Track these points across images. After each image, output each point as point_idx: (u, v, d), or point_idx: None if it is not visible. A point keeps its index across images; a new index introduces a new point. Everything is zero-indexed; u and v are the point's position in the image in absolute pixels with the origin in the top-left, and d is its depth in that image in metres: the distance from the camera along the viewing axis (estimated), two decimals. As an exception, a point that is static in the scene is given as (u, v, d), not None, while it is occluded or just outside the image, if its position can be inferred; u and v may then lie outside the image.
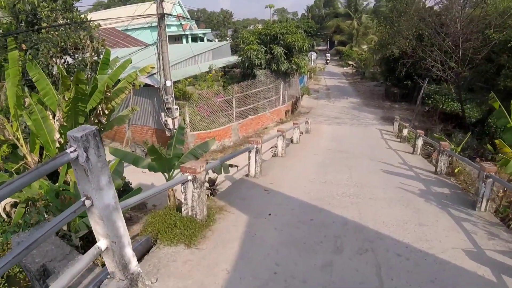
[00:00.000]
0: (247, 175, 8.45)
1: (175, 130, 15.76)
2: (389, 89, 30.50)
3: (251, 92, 18.90)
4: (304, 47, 19.94)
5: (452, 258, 4.95)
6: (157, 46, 15.11)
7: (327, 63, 54.99)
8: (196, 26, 51.44)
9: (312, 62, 42.85)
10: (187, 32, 45.52)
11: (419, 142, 12.96)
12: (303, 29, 22.71)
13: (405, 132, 15.80)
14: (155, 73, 15.71)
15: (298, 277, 4.27)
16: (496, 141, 7.43)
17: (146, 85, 15.85)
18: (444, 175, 9.85)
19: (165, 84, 15.22)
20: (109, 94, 7.20)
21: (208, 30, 50.75)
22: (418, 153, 13.05)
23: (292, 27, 20.10)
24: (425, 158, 13.04)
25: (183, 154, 8.49)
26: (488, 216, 6.72)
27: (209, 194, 9.11)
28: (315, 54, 46.17)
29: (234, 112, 17.88)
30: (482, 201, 6.86)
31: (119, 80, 8.15)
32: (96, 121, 7.45)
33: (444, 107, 21.50)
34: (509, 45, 15.59)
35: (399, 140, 16.44)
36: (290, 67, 19.94)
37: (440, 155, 9.78)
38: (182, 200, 5.23)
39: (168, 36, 43.62)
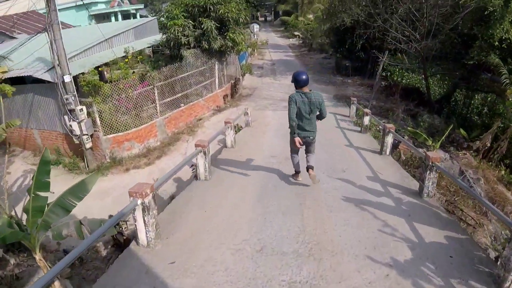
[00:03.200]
0: (135, 240, 5.09)
1: (84, 137, 12.26)
2: (340, 62, 27.61)
3: (178, 78, 15.33)
4: (240, 18, 16.35)
5: None
6: (47, 32, 11.27)
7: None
8: (128, 1, 46.06)
9: (255, 35, 39.22)
10: (116, 9, 40.65)
11: (389, 140, 10.05)
12: (243, -1, 18.96)
13: (366, 120, 12.84)
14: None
15: None
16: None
17: (47, 82, 12.15)
18: (434, 199, 7.05)
19: (63, 80, 11.55)
20: None
21: (141, 5, 45.54)
22: (388, 153, 10.20)
23: (226, -5, 16.22)
24: (395, 159, 10.32)
25: (46, 207, 5.39)
26: None
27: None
28: (258, 26, 42.28)
29: (157, 105, 14.30)
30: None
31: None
32: None
33: (405, 81, 18.91)
34: (486, 13, 12.88)
35: (359, 129, 13.58)
36: (225, 44, 16.30)
37: (428, 172, 6.89)
38: None
39: (95, 14, 39.41)
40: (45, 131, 14.29)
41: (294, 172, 7.81)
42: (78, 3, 34.70)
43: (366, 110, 12.96)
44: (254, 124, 14.10)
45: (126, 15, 41.00)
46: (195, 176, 8.21)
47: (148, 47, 18.57)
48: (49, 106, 13.36)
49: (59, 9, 32.29)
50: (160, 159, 13.26)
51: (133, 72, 16.77)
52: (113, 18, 39.52)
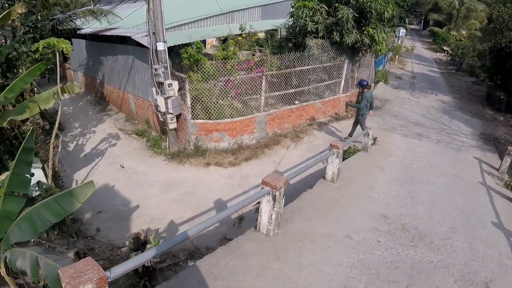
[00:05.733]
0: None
1: (169, 116, 10.61)
2: (493, 91, 22.49)
3: (296, 70, 12.90)
4: (386, 13, 12.92)
5: None
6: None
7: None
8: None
9: (399, 40, 35.01)
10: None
11: None
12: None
13: (528, 185, 9.05)
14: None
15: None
16: None
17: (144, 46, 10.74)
18: None
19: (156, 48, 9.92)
20: None
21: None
22: None
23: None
24: None
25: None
26: None
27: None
28: (404, 30, 37.58)
29: (262, 98, 12.07)
30: None
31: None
32: None
33: None
34: None
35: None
36: (360, 40, 13.16)
37: None
38: None
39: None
40: (139, 98, 13.06)
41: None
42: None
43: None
44: (373, 152, 11.02)
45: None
46: (257, 227, 5.65)
47: (272, 30, 16.50)
48: (145, 73, 12.00)
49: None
50: (248, 162, 11.06)
51: (253, 55, 14.88)
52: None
